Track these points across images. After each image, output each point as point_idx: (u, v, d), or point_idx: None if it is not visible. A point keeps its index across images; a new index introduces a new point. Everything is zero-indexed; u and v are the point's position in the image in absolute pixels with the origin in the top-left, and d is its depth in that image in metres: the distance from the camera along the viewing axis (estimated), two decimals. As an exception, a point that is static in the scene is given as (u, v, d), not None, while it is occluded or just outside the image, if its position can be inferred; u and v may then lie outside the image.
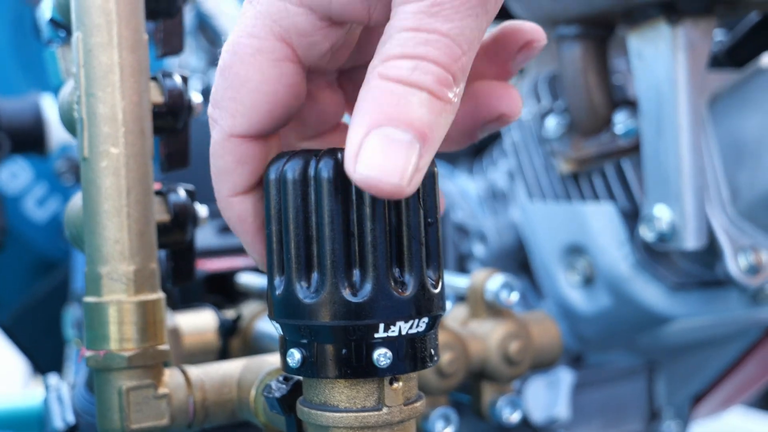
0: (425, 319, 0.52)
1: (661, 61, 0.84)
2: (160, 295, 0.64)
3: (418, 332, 0.52)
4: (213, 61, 1.74)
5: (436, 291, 0.52)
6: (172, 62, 1.72)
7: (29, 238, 1.67)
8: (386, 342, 0.51)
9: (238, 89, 0.51)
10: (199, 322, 0.85)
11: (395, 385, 0.52)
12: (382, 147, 0.46)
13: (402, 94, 0.47)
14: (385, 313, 0.50)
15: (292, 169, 0.51)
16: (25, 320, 1.66)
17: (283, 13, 0.50)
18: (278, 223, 0.52)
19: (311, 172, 0.51)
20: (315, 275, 0.51)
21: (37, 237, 1.67)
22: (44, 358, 1.66)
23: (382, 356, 0.51)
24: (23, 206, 1.65)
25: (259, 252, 0.57)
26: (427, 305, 0.52)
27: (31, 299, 1.65)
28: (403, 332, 0.51)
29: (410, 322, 0.51)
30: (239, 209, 0.56)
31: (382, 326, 0.50)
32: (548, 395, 0.98)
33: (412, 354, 0.52)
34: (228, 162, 0.54)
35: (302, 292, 0.51)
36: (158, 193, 0.68)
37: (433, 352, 0.53)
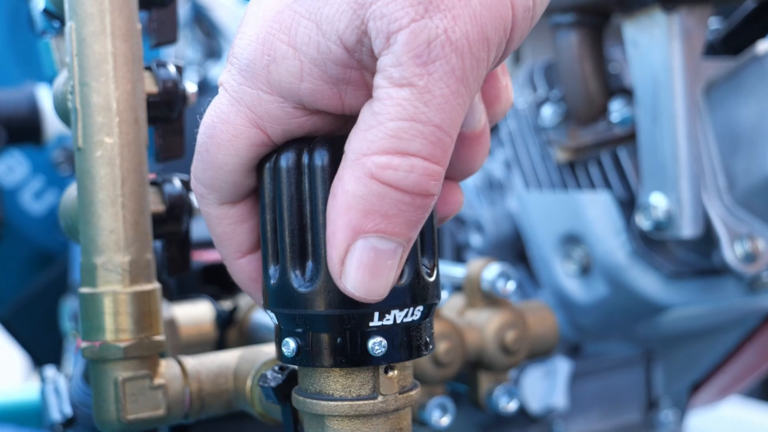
0: (420, 308, 0.52)
1: (657, 49, 0.83)
2: (155, 285, 0.64)
3: (413, 320, 0.51)
4: (209, 53, 1.74)
5: (431, 279, 0.52)
6: (168, 54, 1.72)
7: (27, 231, 1.67)
8: (381, 330, 0.51)
9: (217, 170, 0.52)
10: (196, 314, 0.85)
11: (390, 373, 0.52)
12: (369, 262, 0.47)
13: (395, 201, 0.46)
14: (380, 302, 0.50)
15: (285, 158, 0.51)
16: (23, 314, 1.66)
17: (256, 101, 0.49)
18: (272, 212, 0.52)
19: (305, 160, 0.50)
20: (310, 264, 0.51)
21: (35, 230, 1.67)
22: (43, 351, 1.66)
23: (377, 345, 0.51)
24: (20, 199, 1.65)
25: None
26: (422, 293, 0.51)
27: (29, 292, 1.65)
28: (398, 320, 0.51)
29: (405, 311, 0.51)
30: (248, 269, 0.56)
31: (377, 315, 0.50)
32: (545, 385, 0.98)
33: (407, 342, 0.52)
34: (226, 226, 0.55)
35: (297, 281, 0.51)
36: (153, 183, 0.68)
37: (428, 340, 0.53)
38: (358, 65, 0.47)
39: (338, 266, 0.48)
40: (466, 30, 0.45)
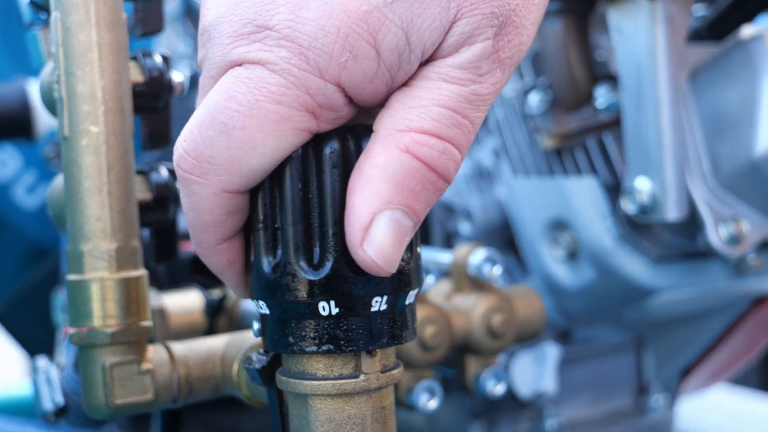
0: (401, 295, 0.52)
1: (640, 35, 0.84)
2: (142, 272, 0.64)
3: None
4: (201, 46, 1.73)
5: (410, 267, 0.53)
6: (160, 47, 1.72)
7: (20, 226, 1.67)
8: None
9: (247, 151, 0.49)
10: (185, 302, 0.85)
11: (372, 353, 0.53)
12: (393, 235, 0.49)
13: (423, 178, 0.49)
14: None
15: (329, 146, 0.50)
16: (17, 308, 1.66)
17: (321, 89, 0.48)
18: (292, 204, 0.52)
19: (352, 147, 0.51)
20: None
21: (28, 224, 1.67)
22: (38, 345, 1.66)
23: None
24: (13, 194, 1.65)
25: (247, 288, 0.57)
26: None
27: (23, 287, 1.65)
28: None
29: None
30: (228, 254, 0.55)
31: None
32: (535, 370, 0.99)
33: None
34: (217, 215, 0.52)
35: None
36: (140, 172, 0.69)
37: (409, 327, 0.54)
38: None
39: (361, 233, 0.48)
40: (512, 53, 0.51)
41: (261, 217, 0.52)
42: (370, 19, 0.47)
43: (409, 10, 0.48)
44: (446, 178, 0.50)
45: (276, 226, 0.51)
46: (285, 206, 0.51)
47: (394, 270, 0.50)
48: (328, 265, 0.50)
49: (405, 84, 0.50)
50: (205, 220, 0.53)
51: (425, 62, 0.50)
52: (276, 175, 0.51)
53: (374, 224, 0.48)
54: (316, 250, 0.50)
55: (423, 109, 0.49)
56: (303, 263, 0.50)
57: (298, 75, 0.48)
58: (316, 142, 0.50)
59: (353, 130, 0.51)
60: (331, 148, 0.50)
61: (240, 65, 0.49)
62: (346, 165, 0.50)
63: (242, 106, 0.48)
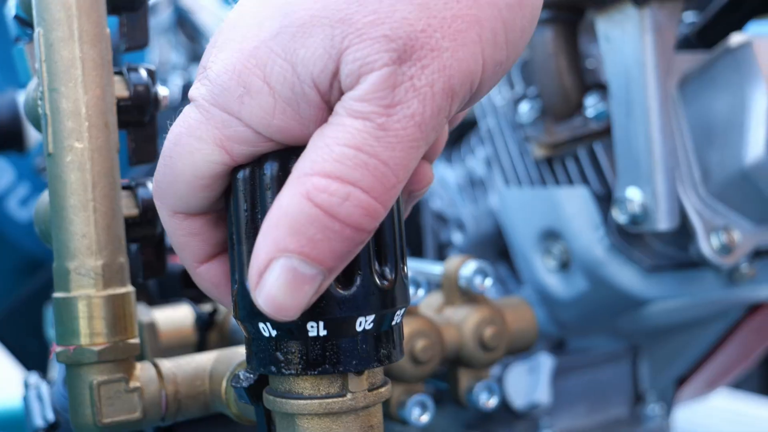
0: (387, 315, 0.52)
1: (629, 44, 0.84)
2: (129, 288, 0.64)
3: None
4: (193, 57, 1.74)
5: (392, 287, 0.52)
6: (152, 59, 1.72)
7: (13, 239, 1.66)
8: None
9: (174, 178, 0.52)
10: (176, 317, 0.85)
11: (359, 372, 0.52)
12: (285, 282, 0.47)
13: (323, 226, 0.46)
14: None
15: (244, 170, 0.51)
16: (11, 321, 1.66)
17: (226, 124, 0.50)
18: (236, 224, 0.52)
19: (268, 171, 0.51)
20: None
21: (21, 237, 1.66)
22: (31, 358, 1.66)
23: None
24: (6, 206, 1.65)
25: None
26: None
27: (16, 300, 1.64)
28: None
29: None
30: (209, 276, 0.57)
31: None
32: (529, 381, 0.98)
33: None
34: (179, 237, 0.55)
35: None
36: (126, 187, 0.68)
37: (396, 347, 0.54)
38: (329, 107, 0.48)
39: (255, 278, 0.48)
40: (432, 79, 0.46)
41: (232, 237, 0.53)
42: (258, 54, 0.48)
43: (291, 41, 0.47)
44: (354, 226, 0.46)
45: (250, 245, 0.51)
46: (249, 227, 0.51)
47: (289, 317, 0.48)
48: None
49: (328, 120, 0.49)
50: (173, 241, 0.56)
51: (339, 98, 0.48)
52: (230, 197, 0.53)
53: (268, 270, 0.47)
54: None
55: (326, 149, 0.46)
56: None
57: (209, 109, 0.50)
58: (258, 162, 0.51)
59: (294, 151, 0.50)
60: (267, 170, 0.51)
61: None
62: (255, 190, 0.51)
63: (173, 136, 0.52)
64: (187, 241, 0.55)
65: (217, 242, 0.56)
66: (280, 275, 0.47)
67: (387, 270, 0.52)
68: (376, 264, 0.51)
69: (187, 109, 0.52)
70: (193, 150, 0.51)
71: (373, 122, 0.46)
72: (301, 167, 0.47)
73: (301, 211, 0.46)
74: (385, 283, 0.51)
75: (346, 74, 0.47)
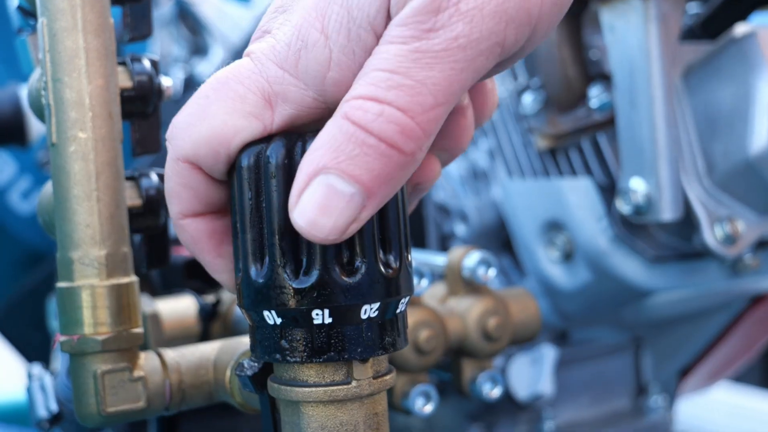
0: (391, 303, 0.52)
1: (633, 34, 0.84)
2: (132, 278, 0.64)
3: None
4: (195, 49, 1.73)
5: (396, 275, 0.52)
6: (154, 52, 1.72)
7: (15, 232, 1.66)
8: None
9: (202, 120, 0.51)
10: (179, 308, 0.85)
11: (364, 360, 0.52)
12: (322, 198, 0.47)
13: (360, 142, 0.46)
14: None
15: (248, 156, 0.51)
16: (13, 313, 1.66)
17: (279, 79, 0.50)
18: (255, 210, 0.52)
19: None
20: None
21: (23, 230, 1.66)
22: (34, 350, 1.66)
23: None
24: (8, 199, 1.65)
25: (219, 271, 0.57)
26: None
27: (18, 292, 1.65)
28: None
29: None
30: (191, 230, 0.56)
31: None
32: (532, 372, 0.98)
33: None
34: (175, 184, 0.54)
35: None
36: (130, 177, 0.68)
37: (401, 335, 0.54)
38: None
39: (295, 199, 0.48)
40: (482, 2, 0.46)
41: (236, 225, 0.52)
42: (319, 5, 0.49)
43: None
44: (389, 142, 0.46)
45: (255, 234, 0.51)
46: (265, 214, 0.51)
47: (325, 237, 0.47)
48: (315, 273, 0.50)
49: None
50: (167, 186, 0.55)
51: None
52: (234, 185, 0.52)
53: (307, 189, 0.47)
54: (303, 259, 0.50)
55: (364, 77, 0.47)
56: (289, 272, 0.50)
57: (264, 63, 0.50)
58: (263, 149, 0.51)
59: (301, 137, 0.50)
60: (272, 157, 0.50)
61: None
62: (290, 172, 0.50)
63: (215, 79, 0.52)
64: (180, 191, 0.55)
65: (210, 203, 0.55)
66: (316, 191, 0.47)
67: (391, 258, 0.52)
68: (381, 252, 0.51)
69: (240, 61, 0.51)
70: (235, 97, 0.51)
71: (410, 45, 0.46)
72: (344, 98, 0.47)
73: (340, 131, 0.47)
74: (390, 271, 0.51)
75: (394, 4, 0.47)
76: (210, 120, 0.51)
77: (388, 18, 0.47)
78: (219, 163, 0.52)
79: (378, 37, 0.47)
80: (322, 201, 0.47)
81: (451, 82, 0.46)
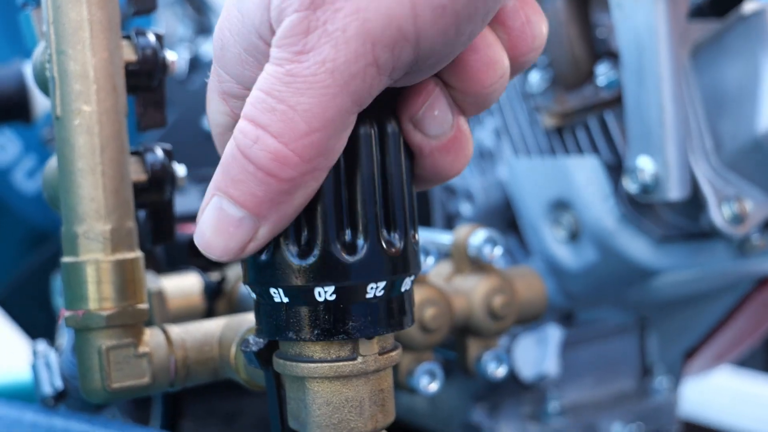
0: (397, 281, 0.51)
1: (642, 12, 0.83)
2: (137, 253, 0.63)
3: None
4: (200, 29, 1.73)
5: (401, 253, 0.51)
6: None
7: (20, 211, 1.66)
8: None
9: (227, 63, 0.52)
10: (184, 285, 0.85)
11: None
12: (214, 220, 0.48)
13: (242, 168, 0.47)
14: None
15: None
16: (18, 292, 1.66)
17: (223, 77, 0.52)
18: None
19: None
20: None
21: (28, 209, 1.66)
22: (38, 329, 1.66)
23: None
24: (13, 178, 1.64)
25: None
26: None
27: (23, 271, 1.65)
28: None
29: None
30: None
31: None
32: (537, 352, 0.98)
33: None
34: (210, 90, 0.55)
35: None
36: (135, 152, 0.68)
37: (407, 313, 0.53)
38: None
39: (199, 214, 0.49)
40: (345, 23, 0.44)
41: None
42: (228, 7, 0.50)
43: None
44: (265, 171, 0.46)
45: None
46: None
47: (219, 256, 0.49)
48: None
49: None
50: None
51: None
52: None
53: (206, 209, 0.49)
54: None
55: (250, 95, 0.47)
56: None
57: (215, 63, 0.53)
58: None
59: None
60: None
61: None
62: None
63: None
64: (213, 98, 0.54)
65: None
66: (211, 213, 0.49)
67: (396, 237, 0.51)
68: (384, 231, 0.51)
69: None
70: (211, 99, 0.54)
71: (283, 68, 0.45)
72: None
73: (230, 152, 0.48)
74: (393, 249, 0.51)
75: (273, 21, 0.46)
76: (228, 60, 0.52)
77: (272, 30, 0.47)
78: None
79: (266, 43, 0.48)
80: (214, 223, 0.48)
81: (324, 108, 0.45)
